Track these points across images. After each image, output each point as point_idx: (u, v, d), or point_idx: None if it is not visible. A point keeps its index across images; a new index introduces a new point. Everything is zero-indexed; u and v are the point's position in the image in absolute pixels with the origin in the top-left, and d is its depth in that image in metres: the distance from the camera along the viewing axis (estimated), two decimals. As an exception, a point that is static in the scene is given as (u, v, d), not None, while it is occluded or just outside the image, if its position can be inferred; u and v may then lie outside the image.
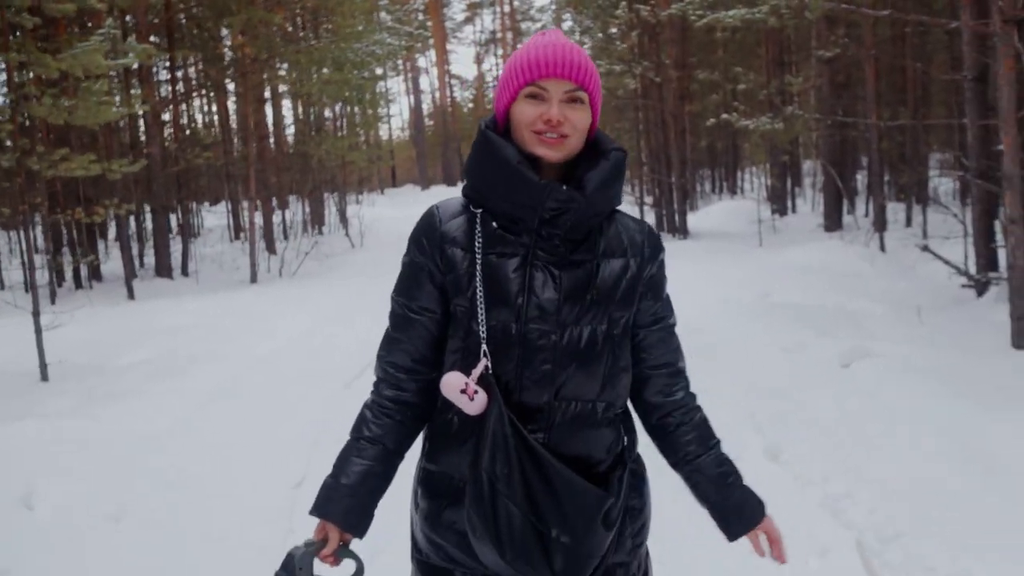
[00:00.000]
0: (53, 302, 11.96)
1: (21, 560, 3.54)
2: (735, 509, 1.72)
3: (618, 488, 1.62)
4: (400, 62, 40.24)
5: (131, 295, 12.27)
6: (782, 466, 4.50)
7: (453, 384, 1.55)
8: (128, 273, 12.66)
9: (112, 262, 16.38)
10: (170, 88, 15.97)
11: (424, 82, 56.22)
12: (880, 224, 12.60)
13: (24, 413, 5.69)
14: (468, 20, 51.26)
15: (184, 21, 14.61)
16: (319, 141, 18.21)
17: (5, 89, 8.66)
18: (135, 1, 11.38)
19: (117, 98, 9.47)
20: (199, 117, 26.62)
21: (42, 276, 14.87)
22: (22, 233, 16.33)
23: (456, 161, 46.19)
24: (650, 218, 17.49)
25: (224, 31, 14.98)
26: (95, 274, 14.18)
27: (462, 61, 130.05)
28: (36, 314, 6.67)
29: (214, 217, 27.61)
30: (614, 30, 16.34)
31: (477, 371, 1.55)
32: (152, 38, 13.86)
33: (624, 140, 19.45)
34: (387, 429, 1.64)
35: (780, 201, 18.06)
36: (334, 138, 19.18)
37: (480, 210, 1.60)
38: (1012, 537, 3.44)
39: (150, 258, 16.29)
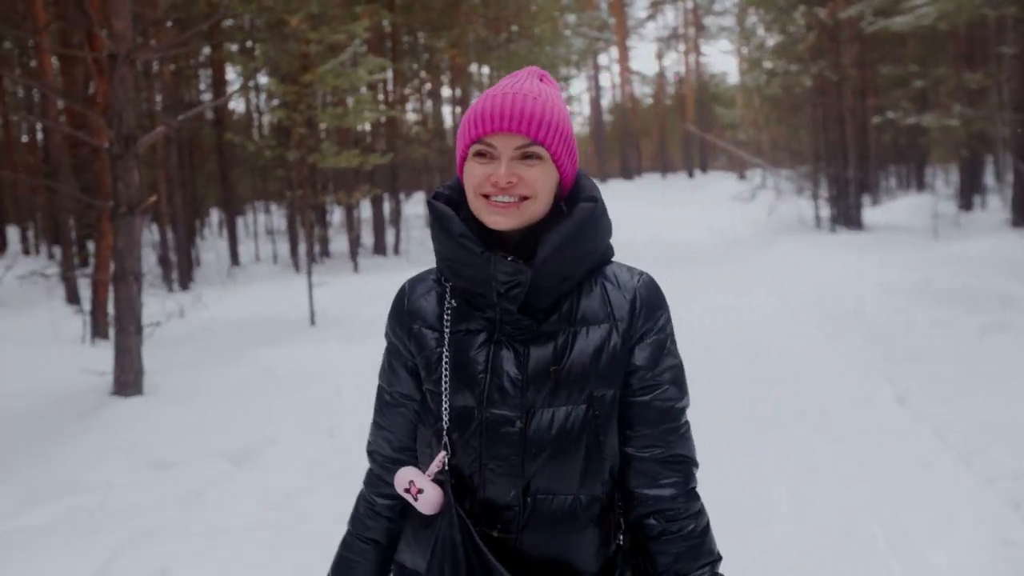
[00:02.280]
0: (298, 271, 14.31)
1: (340, 423, 5.25)
2: None
3: None
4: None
5: (356, 269, 14.44)
6: (905, 407, 5.51)
7: (400, 481, 1.40)
8: (353, 250, 14.87)
9: (332, 242, 18.90)
10: (387, 92, 18.24)
11: (604, 78, 57.26)
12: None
13: (309, 343, 7.57)
14: (650, 17, 51.99)
15: (405, 36, 16.78)
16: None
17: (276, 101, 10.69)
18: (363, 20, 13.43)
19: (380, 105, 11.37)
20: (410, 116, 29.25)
21: (274, 252, 17.50)
22: (266, 214, 18.97)
23: (633, 156, 47.17)
24: (824, 212, 17.99)
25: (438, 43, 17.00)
26: (324, 251, 16.59)
27: (642, 57, 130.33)
28: (309, 274, 8.56)
29: (409, 206, 30.28)
30: (793, 29, 16.94)
31: (434, 465, 1.38)
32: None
33: (801, 136, 19.92)
34: (379, 529, 1.52)
35: (965, 196, 17.99)
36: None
37: (450, 284, 1.43)
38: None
39: (366, 239, 18.64)
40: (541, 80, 1.41)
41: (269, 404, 5.52)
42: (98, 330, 9.55)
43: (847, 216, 16.92)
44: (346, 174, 15.71)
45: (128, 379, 5.69)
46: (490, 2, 16.81)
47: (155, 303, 11.57)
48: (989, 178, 20.19)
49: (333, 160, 9.41)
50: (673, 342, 1.45)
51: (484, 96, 1.38)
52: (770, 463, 4.65)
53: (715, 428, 5.08)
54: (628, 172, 45.90)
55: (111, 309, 9.57)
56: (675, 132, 49.02)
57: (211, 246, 21.40)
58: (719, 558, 1.42)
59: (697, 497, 1.43)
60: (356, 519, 1.55)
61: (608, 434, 1.40)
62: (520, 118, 1.32)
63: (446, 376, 1.39)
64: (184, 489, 4.37)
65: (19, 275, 13.71)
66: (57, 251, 21.54)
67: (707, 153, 46.02)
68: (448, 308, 1.42)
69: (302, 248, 16.66)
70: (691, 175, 44.90)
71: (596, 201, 1.39)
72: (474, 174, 1.34)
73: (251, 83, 18.09)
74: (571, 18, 29.95)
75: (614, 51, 48.31)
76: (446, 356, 1.40)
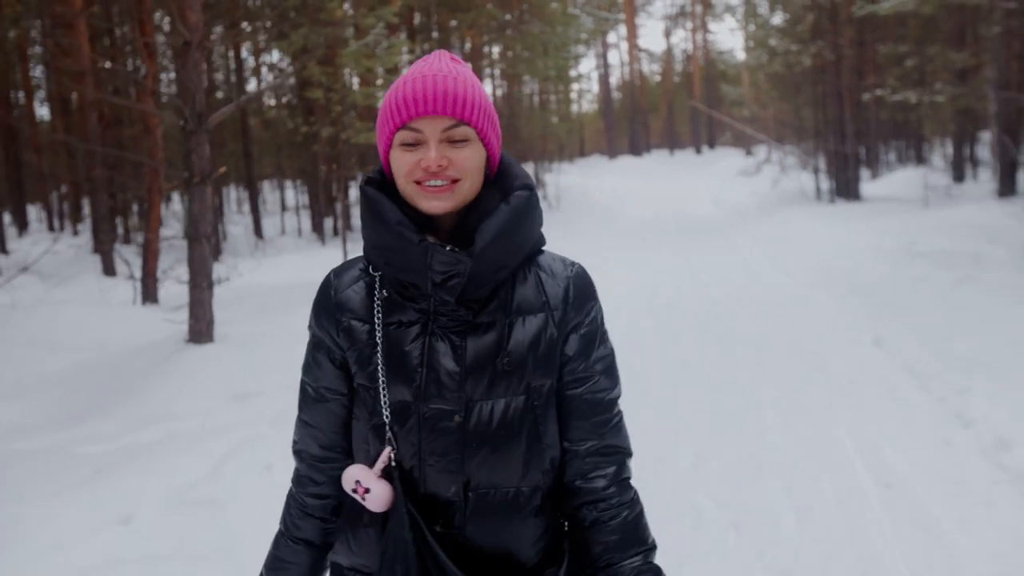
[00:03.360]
0: (324, 243, 15.13)
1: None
2: None
3: None
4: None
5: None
6: (881, 348, 6.34)
7: (347, 480, 1.38)
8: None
9: (353, 216, 19.73)
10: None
11: (613, 56, 57.60)
12: (1049, 189, 13.38)
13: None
14: (659, -6, 52.20)
15: (422, 18, 17.53)
16: (530, 115, 20.78)
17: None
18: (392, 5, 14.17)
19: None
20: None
21: (298, 226, 18.31)
22: (300, 187, 19.69)
23: (642, 133, 47.72)
24: (824, 184, 18.75)
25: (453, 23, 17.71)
26: (347, 224, 17.41)
27: (650, 35, 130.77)
28: (344, 240, 9.39)
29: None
30: (794, 10, 17.64)
31: (381, 461, 1.36)
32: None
33: (804, 113, 20.62)
34: (308, 528, 1.49)
35: (958, 169, 18.74)
36: (540, 111, 21.68)
37: (379, 274, 1.40)
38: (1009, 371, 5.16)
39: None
40: (453, 60, 1.38)
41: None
42: (148, 295, 10.41)
43: (846, 188, 17.70)
44: (367, 150, 16.48)
45: (202, 328, 6.53)
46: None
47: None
48: (986, 152, 20.87)
49: (366, 136, 10.24)
50: (604, 332, 1.45)
51: (400, 82, 1.34)
52: (764, 392, 5.49)
53: (720, 369, 5.94)
54: (637, 149, 46.49)
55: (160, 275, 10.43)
56: (683, 109, 49.50)
57: (235, 221, 22.23)
58: (653, 547, 1.43)
59: (630, 487, 1.44)
60: (287, 519, 1.51)
61: (547, 423, 1.40)
62: (444, 99, 1.30)
63: (382, 370, 1.36)
64: (268, 413, 5.21)
65: (74, 245, 14.53)
66: (80, 228, 22.49)
67: (715, 129, 46.52)
68: (378, 299, 1.39)
69: (327, 223, 17.50)
70: (699, 151, 45.47)
71: (531, 190, 1.39)
72: (404, 161, 1.31)
73: (274, 63, 18.84)
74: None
75: (623, 29, 48.72)
76: (379, 350, 1.37)
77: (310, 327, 1.46)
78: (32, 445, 4.97)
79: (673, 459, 4.45)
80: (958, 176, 18.74)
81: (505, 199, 1.36)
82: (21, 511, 3.78)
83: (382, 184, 1.39)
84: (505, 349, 1.35)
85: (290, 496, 1.52)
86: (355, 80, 12.99)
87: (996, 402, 4.67)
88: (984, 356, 5.55)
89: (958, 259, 8.82)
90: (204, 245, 6.47)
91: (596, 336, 1.43)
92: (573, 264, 1.46)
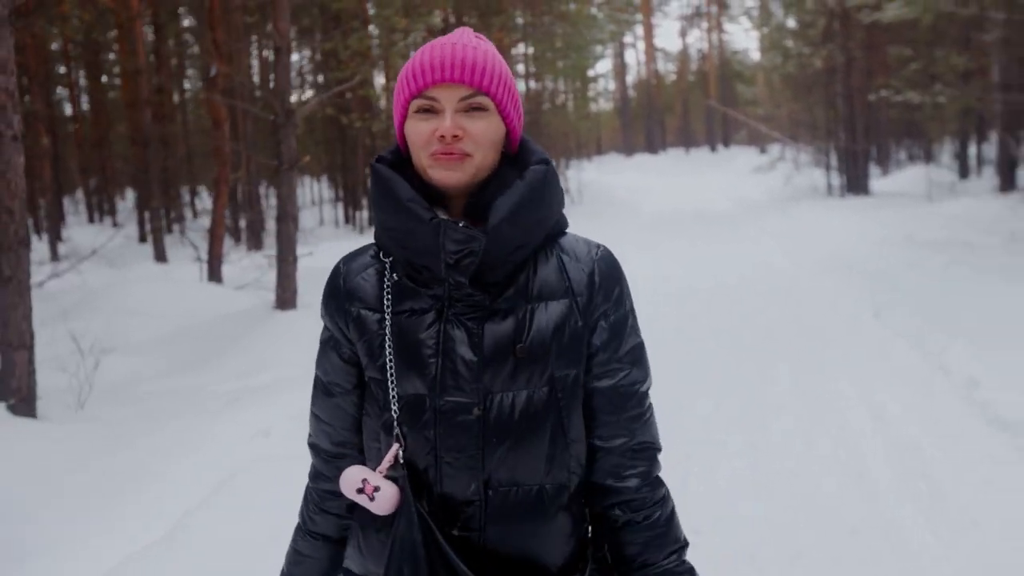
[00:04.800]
0: (361, 232, 16.12)
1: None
2: None
3: None
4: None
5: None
6: (879, 318, 7.28)
7: (350, 482, 1.29)
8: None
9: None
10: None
11: (630, 55, 58.35)
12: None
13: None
14: (675, -6, 52.99)
15: (459, 21, 18.55)
16: (554, 112, 21.77)
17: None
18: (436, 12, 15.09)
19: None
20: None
21: (335, 217, 19.27)
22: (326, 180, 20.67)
23: (658, 131, 48.59)
24: (835, 180, 19.69)
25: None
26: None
27: (666, 35, 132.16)
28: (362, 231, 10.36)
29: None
30: (806, 15, 18.61)
31: (387, 459, 1.28)
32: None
33: (816, 112, 21.54)
34: (325, 523, 1.44)
35: (962, 166, 19.66)
36: (563, 109, 22.67)
37: (390, 259, 1.32)
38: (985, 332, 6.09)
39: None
40: (476, 36, 1.32)
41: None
42: (213, 274, 11.43)
43: (856, 184, 18.66)
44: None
45: (287, 297, 7.52)
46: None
47: (248, 258, 13.47)
48: (994, 151, 21.74)
49: (376, 124, 11.25)
50: (634, 318, 1.37)
51: (421, 50, 1.29)
52: (774, 357, 6.42)
53: (736, 340, 6.87)
54: (653, 147, 47.35)
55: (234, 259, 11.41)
56: (698, 108, 50.35)
57: (270, 215, 23.27)
58: (685, 544, 1.36)
59: (661, 484, 1.37)
60: (304, 513, 1.47)
61: (572, 417, 1.32)
62: (461, 67, 1.23)
63: (391, 362, 1.29)
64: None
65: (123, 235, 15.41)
66: (119, 219, 23.62)
67: (729, 128, 47.33)
68: (388, 286, 1.31)
69: (364, 215, 18.52)
70: (714, 149, 46.32)
71: (548, 163, 1.31)
72: (419, 130, 1.25)
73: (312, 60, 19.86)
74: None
75: (639, 29, 49.55)
76: (389, 340, 1.29)
77: (322, 318, 1.40)
78: (166, 387, 5.98)
79: (694, 406, 5.41)
80: (963, 173, 19.64)
81: (521, 175, 1.29)
82: (187, 424, 4.79)
83: (395, 164, 1.32)
84: (525, 336, 1.26)
85: (307, 490, 1.46)
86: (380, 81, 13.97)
87: (971, 355, 5.62)
88: (965, 321, 6.50)
89: (952, 246, 9.75)
90: (291, 224, 7.46)
91: (625, 324, 1.34)
92: (599, 246, 1.36)
